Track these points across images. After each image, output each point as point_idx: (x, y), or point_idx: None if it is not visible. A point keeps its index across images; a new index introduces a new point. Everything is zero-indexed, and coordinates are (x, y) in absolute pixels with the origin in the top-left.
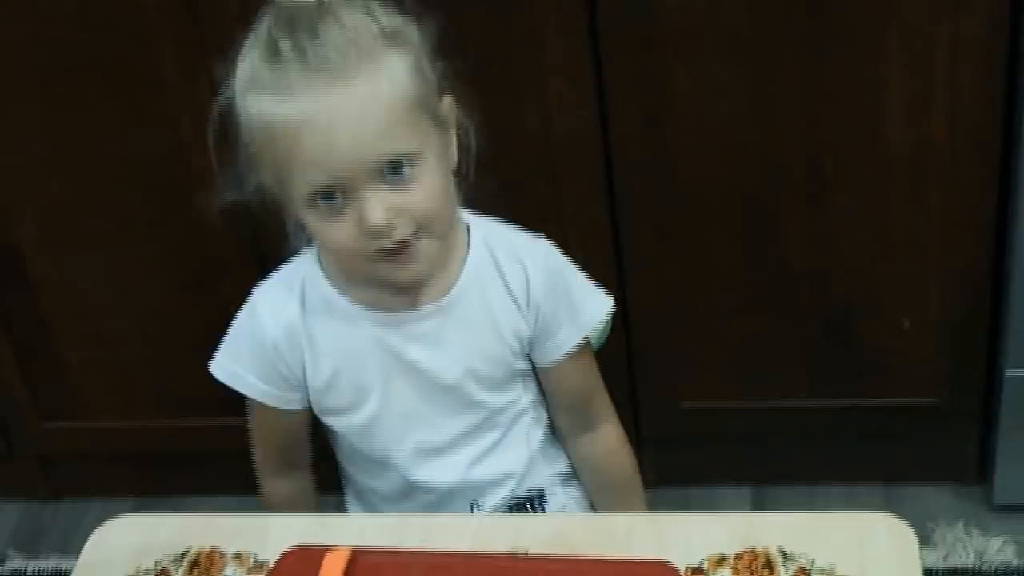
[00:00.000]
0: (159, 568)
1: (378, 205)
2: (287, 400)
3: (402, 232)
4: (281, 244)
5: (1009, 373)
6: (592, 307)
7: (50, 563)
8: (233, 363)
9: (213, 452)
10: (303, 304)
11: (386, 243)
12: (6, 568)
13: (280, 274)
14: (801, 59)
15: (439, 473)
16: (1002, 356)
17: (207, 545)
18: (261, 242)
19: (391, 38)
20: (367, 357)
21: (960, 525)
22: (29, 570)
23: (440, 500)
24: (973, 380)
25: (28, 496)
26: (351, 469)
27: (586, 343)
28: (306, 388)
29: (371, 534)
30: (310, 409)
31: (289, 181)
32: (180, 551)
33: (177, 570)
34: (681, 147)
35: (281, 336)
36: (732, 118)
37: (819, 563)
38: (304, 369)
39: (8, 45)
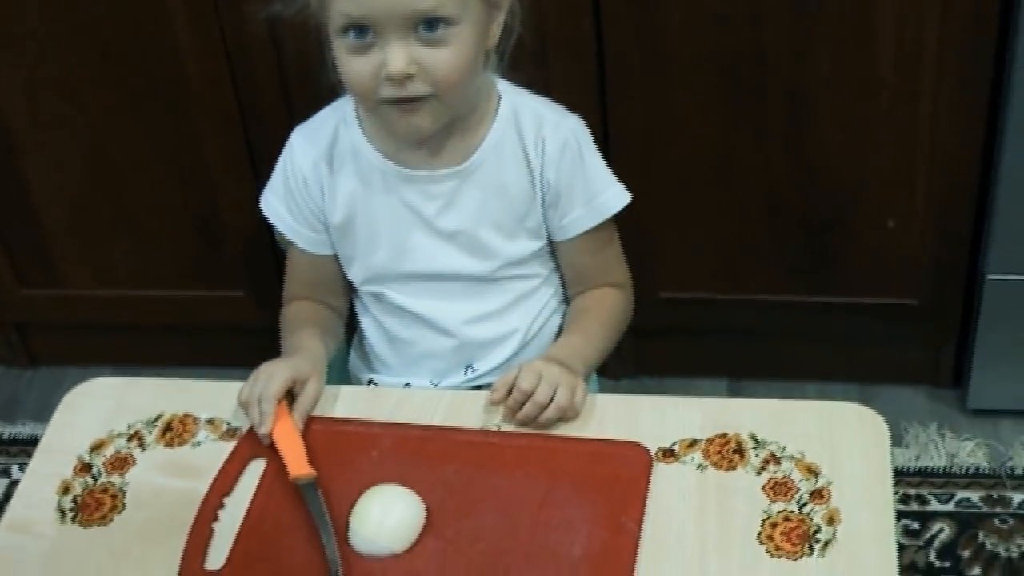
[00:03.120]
0: (131, 431)
1: (402, 54)
2: (316, 242)
3: (416, 88)
4: (267, 122)
5: (990, 277)
6: (609, 195)
7: (26, 429)
8: (274, 198)
9: (191, 324)
10: (333, 145)
11: (399, 93)
12: None
13: (319, 116)
14: None
15: (439, 312)
16: (984, 260)
17: (180, 410)
18: (245, 115)
19: None
20: (383, 207)
21: (933, 427)
22: (5, 436)
23: (434, 353)
24: (954, 283)
25: (5, 363)
26: (362, 316)
27: (603, 226)
28: (328, 229)
29: (345, 404)
30: (338, 260)
31: (329, 6)
32: (153, 415)
33: (149, 434)
34: (671, 38)
35: (310, 172)
36: (724, 11)
37: (789, 450)
38: (324, 205)
39: None
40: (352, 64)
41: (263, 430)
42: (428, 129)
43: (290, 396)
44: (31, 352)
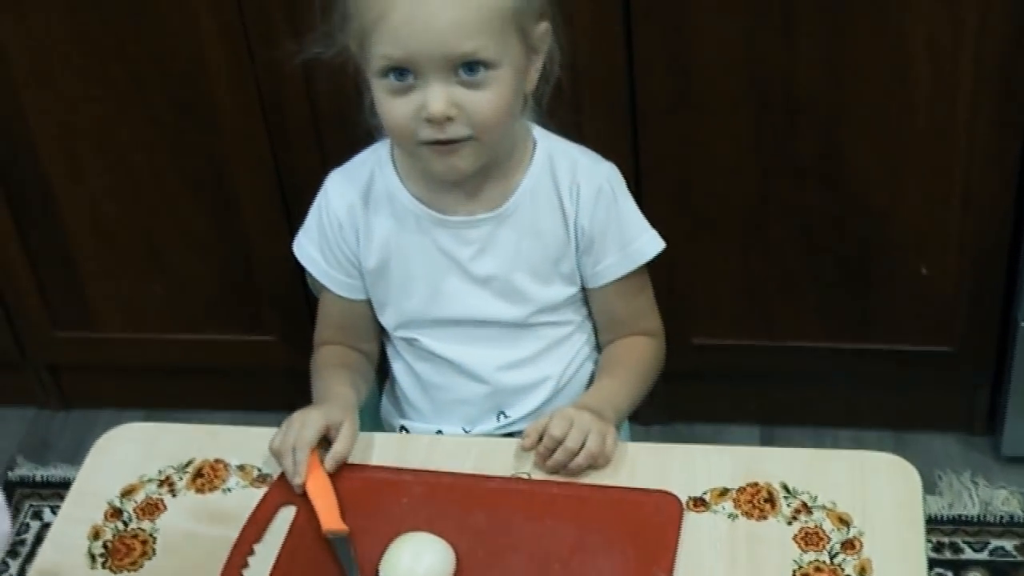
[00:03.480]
0: (162, 477)
1: (442, 96)
2: (350, 287)
3: (456, 131)
4: (299, 166)
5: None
6: (642, 242)
7: (58, 472)
8: (308, 242)
9: (223, 367)
10: (368, 189)
11: (438, 135)
12: (14, 475)
13: (355, 159)
14: None
15: (473, 359)
16: (1018, 308)
17: (211, 456)
18: (281, 166)
19: None
20: (418, 252)
21: (967, 475)
22: (37, 478)
23: (467, 400)
24: (987, 331)
25: (38, 405)
26: (394, 361)
27: (636, 273)
28: (362, 273)
29: (377, 451)
30: (371, 304)
31: (369, 48)
32: (184, 461)
33: (180, 479)
34: (703, 79)
35: (344, 215)
36: (752, 39)
37: (821, 500)
38: (359, 250)
39: None
40: (392, 105)
41: (297, 480)
42: (467, 170)
43: (324, 443)
44: (63, 394)
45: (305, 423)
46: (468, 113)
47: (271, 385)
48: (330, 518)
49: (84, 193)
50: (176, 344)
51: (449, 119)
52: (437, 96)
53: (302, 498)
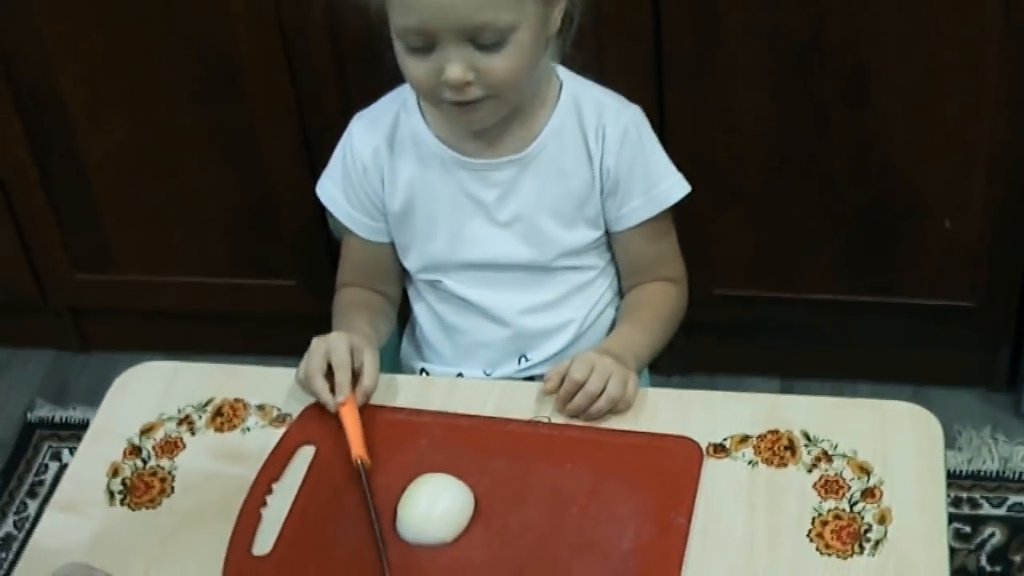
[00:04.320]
0: (182, 415)
1: (459, 62)
2: (373, 230)
3: (474, 93)
4: (322, 109)
5: None
6: (668, 185)
7: (77, 413)
8: (331, 185)
9: (243, 312)
10: (393, 132)
11: (458, 97)
12: (33, 416)
13: (380, 102)
14: None
15: (495, 302)
16: None
17: (230, 395)
18: (304, 112)
19: None
20: (442, 194)
21: (987, 430)
22: (56, 419)
23: (488, 343)
24: (1009, 286)
25: (58, 346)
26: (416, 304)
27: (661, 217)
28: (386, 216)
29: (397, 393)
30: (394, 248)
31: (389, 8)
32: (203, 400)
33: (200, 418)
34: (729, 27)
35: (369, 159)
36: (782, 10)
37: (841, 448)
38: (383, 193)
39: None
40: (411, 65)
41: (340, 398)
42: (488, 124)
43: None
44: (84, 337)
45: (332, 346)
46: (486, 75)
47: (291, 330)
48: (359, 446)
49: (107, 138)
50: (197, 288)
51: (468, 83)
52: (454, 63)
53: (322, 434)
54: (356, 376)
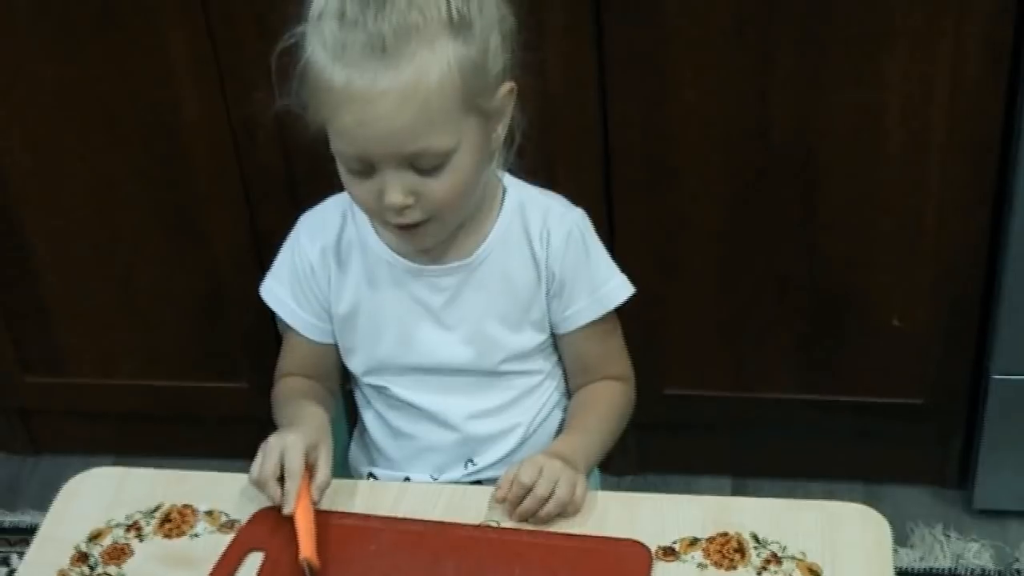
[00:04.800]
0: (130, 521)
1: (398, 187)
2: (319, 330)
3: (414, 216)
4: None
5: (995, 377)
6: (612, 287)
7: (27, 518)
8: (277, 285)
9: (194, 414)
10: (340, 236)
11: (400, 220)
12: None
13: (327, 204)
14: (801, 48)
15: (443, 407)
16: (989, 360)
17: (179, 501)
18: (255, 212)
19: (458, 25)
20: (389, 299)
21: (939, 527)
22: (6, 524)
23: (436, 447)
24: (959, 383)
25: (8, 450)
26: (364, 409)
27: (606, 318)
28: (331, 318)
29: (345, 498)
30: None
31: (329, 133)
32: (152, 506)
33: (148, 524)
34: (678, 133)
35: (317, 260)
36: (730, 104)
37: (791, 550)
38: (330, 295)
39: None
40: (354, 186)
41: (287, 509)
42: (432, 246)
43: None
44: (34, 439)
45: (287, 448)
46: (426, 199)
47: (243, 433)
48: (308, 547)
49: (56, 240)
50: (147, 391)
51: (408, 206)
52: (393, 188)
53: (275, 537)
54: (310, 471)
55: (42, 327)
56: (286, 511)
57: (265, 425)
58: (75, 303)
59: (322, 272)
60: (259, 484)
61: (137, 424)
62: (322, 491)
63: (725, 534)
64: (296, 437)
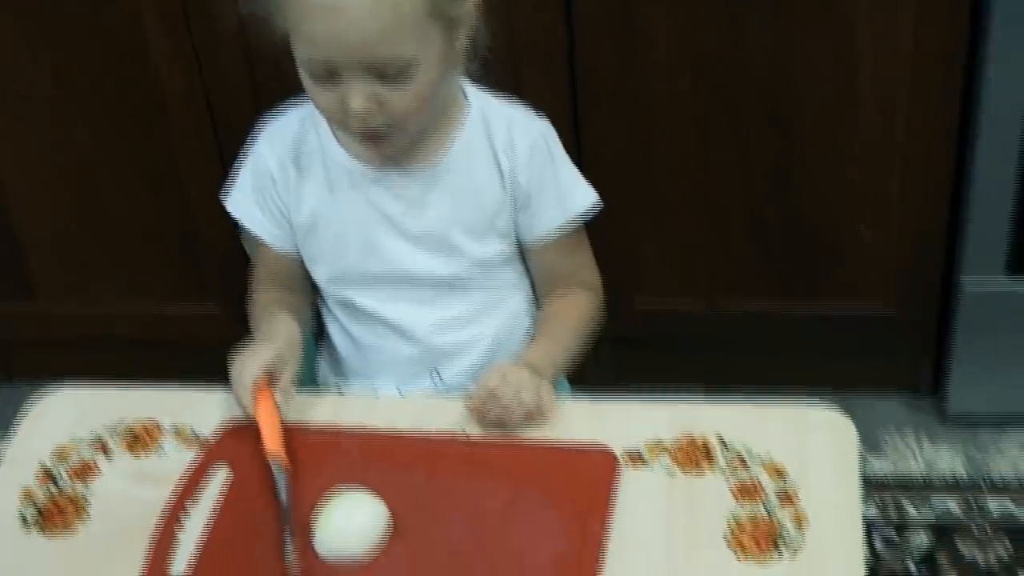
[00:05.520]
0: (95, 439)
1: (360, 94)
2: (283, 239)
3: (376, 122)
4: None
5: (965, 283)
6: (578, 196)
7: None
8: (240, 196)
9: (166, 340)
10: (299, 147)
11: (363, 127)
12: None
13: (288, 111)
14: None
15: (406, 318)
16: (959, 266)
17: (145, 417)
18: (222, 139)
19: None
20: (351, 208)
21: (911, 436)
22: None
23: (400, 359)
24: (930, 290)
25: None
26: (329, 322)
27: (573, 230)
28: (293, 228)
29: (314, 411)
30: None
31: (293, 39)
32: (118, 423)
33: (114, 442)
34: (647, 55)
35: (276, 170)
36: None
37: (757, 452)
38: (289, 205)
39: None
40: (317, 94)
41: (246, 411)
42: (393, 154)
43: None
44: (7, 367)
45: (246, 360)
46: (389, 107)
47: (216, 359)
48: (273, 442)
49: (27, 167)
50: (119, 317)
51: (369, 112)
52: (356, 95)
53: (242, 452)
54: (275, 380)
55: (14, 255)
56: (246, 414)
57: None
58: (46, 231)
59: (282, 180)
60: (236, 397)
61: (110, 350)
62: (285, 396)
63: (692, 438)
64: (259, 348)
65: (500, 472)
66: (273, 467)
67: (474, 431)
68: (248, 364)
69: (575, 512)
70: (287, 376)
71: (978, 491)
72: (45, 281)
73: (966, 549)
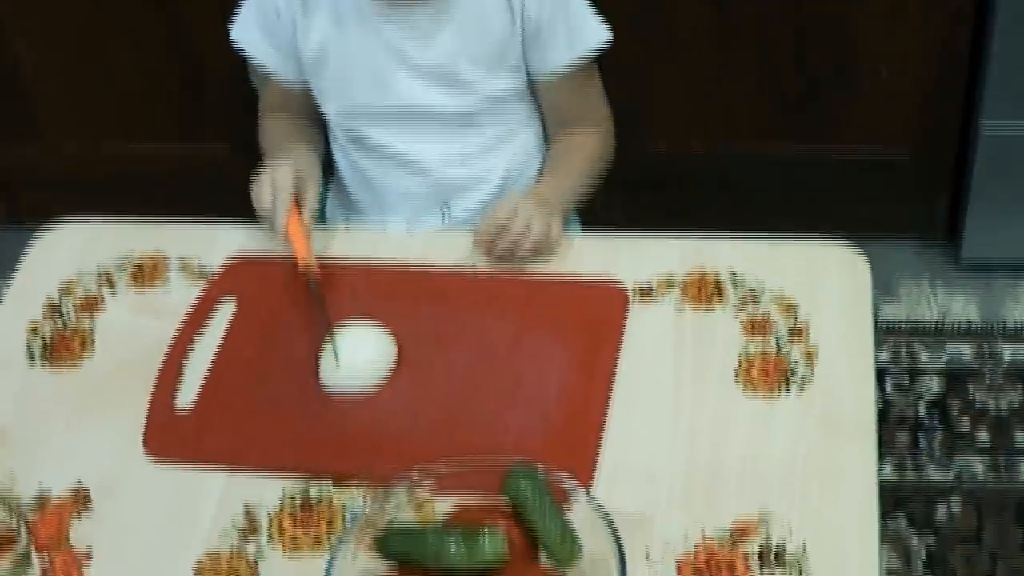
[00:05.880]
0: (100, 271)
1: None
2: (292, 69)
3: None
4: None
5: (984, 126)
6: (589, 32)
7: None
8: (246, 28)
9: (174, 178)
10: None
11: None
12: None
13: None
14: None
15: (417, 151)
16: (978, 109)
17: (151, 251)
18: None
19: None
20: (359, 42)
21: (926, 281)
22: None
23: (410, 194)
24: (948, 135)
25: None
26: (338, 157)
27: (584, 67)
28: (301, 61)
29: (320, 246)
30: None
31: None
32: (124, 257)
33: (120, 275)
34: None
35: (283, 4)
36: None
37: (768, 288)
38: (297, 38)
39: None
40: None
41: (279, 223)
42: None
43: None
44: (13, 209)
45: (276, 173)
46: None
47: (221, 196)
48: (306, 254)
49: (32, 8)
50: (126, 155)
51: None
52: None
53: (248, 286)
54: (298, 202)
55: (20, 96)
56: (278, 228)
57: (243, 188)
58: (52, 72)
59: (287, 13)
60: (260, 212)
61: (117, 192)
62: (312, 216)
63: (703, 273)
64: (285, 163)
65: (509, 306)
66: (311, 281)
67: (482, 265)
68: (279, 176)
69: (584, 346)
70: (312, 194)
71: (991, 338)
72: (51, 122)
73: (978, 395)
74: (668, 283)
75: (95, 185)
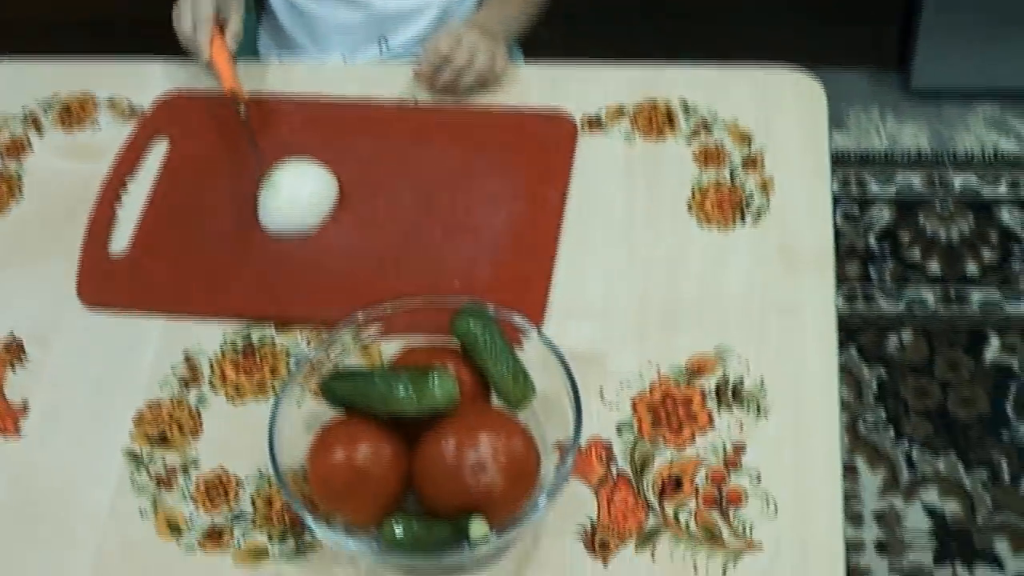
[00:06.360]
0: (26, 113)
1: None
2: None
3: None
4: None
5: None
6: None
7: None
8: None
9: (101, 18)
10: None
11: None
12: None
13: None
14: None
15: None
16: None
17: (78, 90)
18: None
19: None
20: None
21: (875, 110)
22: None
23: (346, 26)
24: None
25: None
26: None
27: None
28: None
29: (253, 82)
30: None
31: None
32: (50, 97)
33: (47, 115)
34: None
35: None
36: None
37: (722, 116)
38: None
39: None
40: None
41: (203, 56)
42: None
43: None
44: None
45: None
46: None
47: (148, 35)
48: (231, 79)
49: None
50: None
51: None
52: None
53: (180, 124)
54: (222, 26)
55: None
56: (203, 58)
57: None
58: None
59: None
60: (181, 37)
61: (44, 33)
62: (236, 40)
63: (653, 103)
64: None
65: (453, 140)
66: (236, 106)
67: (424, 98)
68: (197, 8)
69: (532, 179)
70: (236, 17)
71: (942, 166)
72: None
73: (928, 224)
74: (618, 113)
75: (15, 24)
